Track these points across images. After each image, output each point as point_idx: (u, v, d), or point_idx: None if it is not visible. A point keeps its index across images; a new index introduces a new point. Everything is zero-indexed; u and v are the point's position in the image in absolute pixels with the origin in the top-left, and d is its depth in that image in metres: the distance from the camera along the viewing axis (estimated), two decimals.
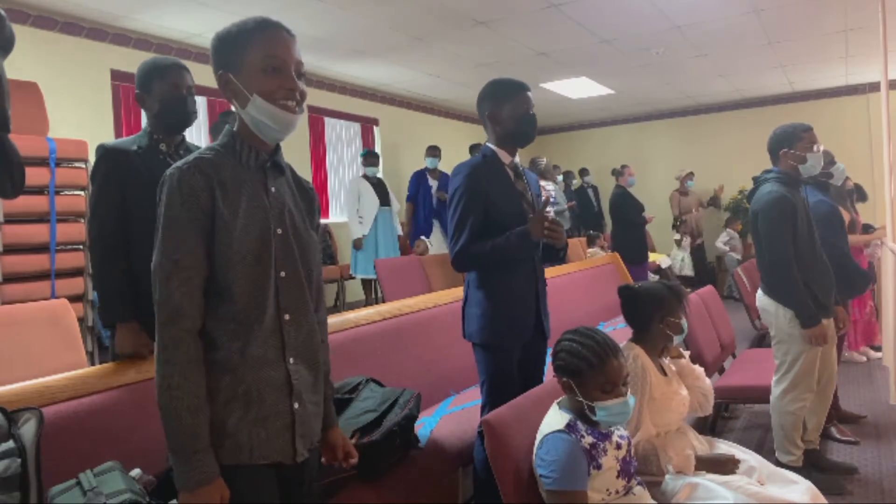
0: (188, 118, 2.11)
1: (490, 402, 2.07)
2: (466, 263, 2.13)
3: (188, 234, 1.16)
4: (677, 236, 8.29)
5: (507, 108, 2.14)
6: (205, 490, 1.11)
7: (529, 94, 2.17)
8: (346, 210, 6.04)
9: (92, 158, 2.31)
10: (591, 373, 1.61)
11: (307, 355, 1.28)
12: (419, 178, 6.33)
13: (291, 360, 1.25)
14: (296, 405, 1.24)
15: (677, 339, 2.05)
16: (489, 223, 2.08)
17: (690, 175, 8.64)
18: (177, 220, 1.16)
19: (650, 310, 2.03)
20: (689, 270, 8.15)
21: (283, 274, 1.25)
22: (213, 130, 5.06)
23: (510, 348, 2.13)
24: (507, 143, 2.19)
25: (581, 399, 1.62)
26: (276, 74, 1.21)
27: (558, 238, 2.03)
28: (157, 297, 1.15)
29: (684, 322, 2.05)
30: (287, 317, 1.25)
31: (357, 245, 5.90)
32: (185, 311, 1.15)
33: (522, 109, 2.14)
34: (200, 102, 5.79)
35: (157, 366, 1.14)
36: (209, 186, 1.19)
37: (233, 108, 1.28)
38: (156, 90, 2.05)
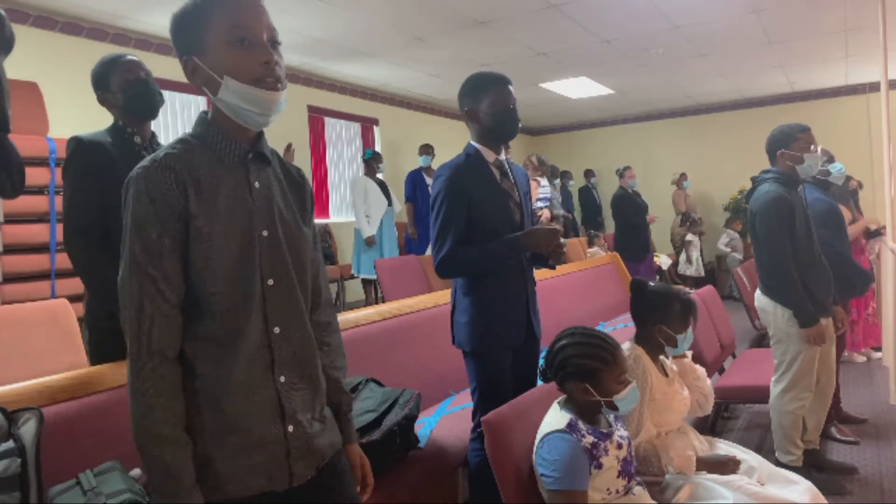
0: (154, 100, 2.07)
1: (482, 409, 2.00)
2: (451, 270, 2.05)
3: (159, 246, 1.01)
4: (690, 237, 8.24)
5: (485, 104, 2.04)
6: None
7: (510, 87, 2.06)
8: (354, 209, 6.06)
9: None
10: (607, 370, 1.61)
11: (302, 369, 1.14)
12: (415, 178, 6.36)
13: (282, 379, 1.10)
14: (290, 428, 1.10)
15: (671, 351, 2.02)
16: (474, 225, 2.01)
17: (684, 176, 8.68)
18: (145, 230, 1.01)
19: (650, 312, 2.03)
20: (700, 271, 8.09)
21: (270, 282, 1.09)
22: None
23: (501, 356, 2.07)
24: (490, 140, 2.10)
25: (599, 398, 1.61)
26: (246, 47, 1.04)
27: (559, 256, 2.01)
28: (127, 320, 1.02)
29: (683, 338, 1.99)
30: (277, 330, 1.10)
31: (369, 243, 5.91)
32: (160, 338, 1.01)
33: (501, 104, 2.03)
34: (200, 102, 5.79)
35: (130, 399, 1.01)
36: (181, 187, 1.03)
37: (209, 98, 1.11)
38: (114, 83, 2.03)
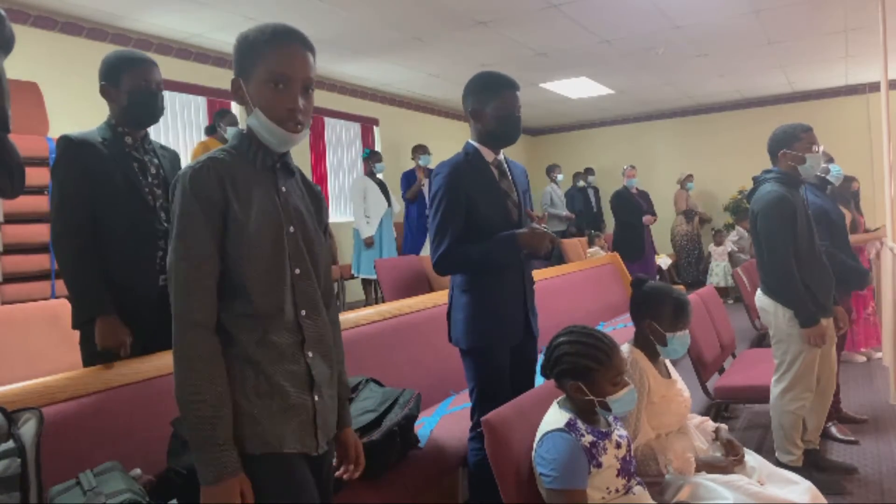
0: (157, 114, 2.07)
1: (480, 409, 1.99)
2: (449, 267, 2.05)
3: (201, 233, 1.18)
4: (711, 247, 8.16)
5: (491, 107, 2.02)
6: (227, 483, 1.12)
7: (517, 92, 2.05)
8: (353, 209, 6.06)
9: None
10: (601, 370, 1.61)
11: (323, 350, 1.31)
12: (409, 178, 6.35)
13: (310, 354, 1.27)
14: (316, 398, 1.27)
15: (662, 351, 1.99)
16: (472, 224, 2.00)
17: (690, 177, 8.65)
18: (190, 220, 1.18)
19: (643, 307, 2.02)
20: (729, 281, 7.84)
21: (297, 271, 1.28)
22: (208, 131, 5.07)
23: (499, 353, 2.06)
24: (489, 143, 2.08)
25: (592, 398, 1.61)
26: (279, 92, 1.22)
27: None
28: (173, 295, 1.17)
29: (673, 338, 1.96)
30: (304, 312, 1.28)
31: (368, 243, 5.91)
32: (200, 309, 1.16)
33: (507, 109, 2.02)
34: (200, 102, 5.79)
35: (174, 363, 1.16)
36: (221, 185, 1.20)
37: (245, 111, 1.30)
38: (124, 83, 2.00)
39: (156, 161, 2.11)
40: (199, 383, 1.13)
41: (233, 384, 1.18)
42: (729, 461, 1.88)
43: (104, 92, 2.04)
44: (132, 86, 2.00)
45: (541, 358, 1.80)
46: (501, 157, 2.15)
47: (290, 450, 1.22)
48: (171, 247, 1.19)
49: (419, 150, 6.40)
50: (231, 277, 1.21)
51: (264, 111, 1.23)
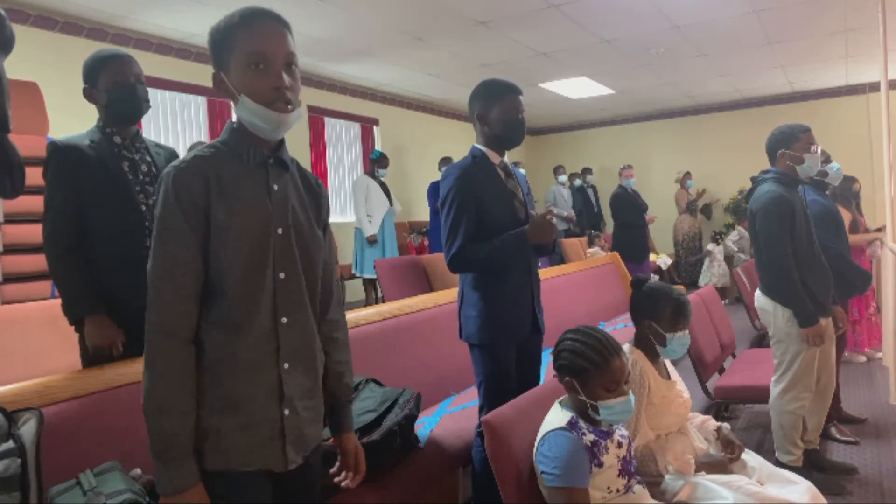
0: (139, 106, 2.05)
1: (488, 403, 2.06)
2: (463, 266, 2.13)
3: (182, 236, 1.12)
4: (711, 246, 8.16)
5: (496, 111, 2.12)
6: (184, 495, 1.10)
7: (521, 97, 2.15)
8: (355, 209, 6.07)
9: None
10: (595, 372, 1.61)
11: (304, 360, 1.24)
12: (436, 189, 6.36)
13: (286, 365, 1.20)
14: (286, 411, 1.19)
15: (662, 351, 1.99)
16: (482, 223, 2.08)
17: (688, 175, 8.65)
18: (171, 222, 1.12)
19: (642, 308, 2.03)
20: (726, 281, 7.88)
21: (282, 275, 1.20)
22: None
23: (508, 348, 2.13)
24: (495, 145, 2.18)
25: (584, 398, 1.62)
26: (261, 72, 1.16)
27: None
28: (149, 301, 1.12)
29: (672, 338, 1.96)
30: (284, 320, 1.20)
31: (372, 241, 5.92)
32: (176, 318, 1.11)
33: (511, 113, 2.12)
34: (200, 102, 5.79)
35: (144, 370, 1.12)
36: (205, 185, 1.14)
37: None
38: (102, 82, 2.00)
39: (148, 159, 2.10)
40: (164, 395, 1.10)
41: (198, 396, 1.14)
42: (724, 458, 1.88)
43: (87, 95, 2.04)
44: (110, 83, 2.00)
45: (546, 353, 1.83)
46: (506, 158, 2.23)
47: (249, 468, 1.16)
48: (151, 250, 1.14)
49: (446, 162, 6.46)
50: (210, 282, 1.15)
51: (250, 95, 1.16)
